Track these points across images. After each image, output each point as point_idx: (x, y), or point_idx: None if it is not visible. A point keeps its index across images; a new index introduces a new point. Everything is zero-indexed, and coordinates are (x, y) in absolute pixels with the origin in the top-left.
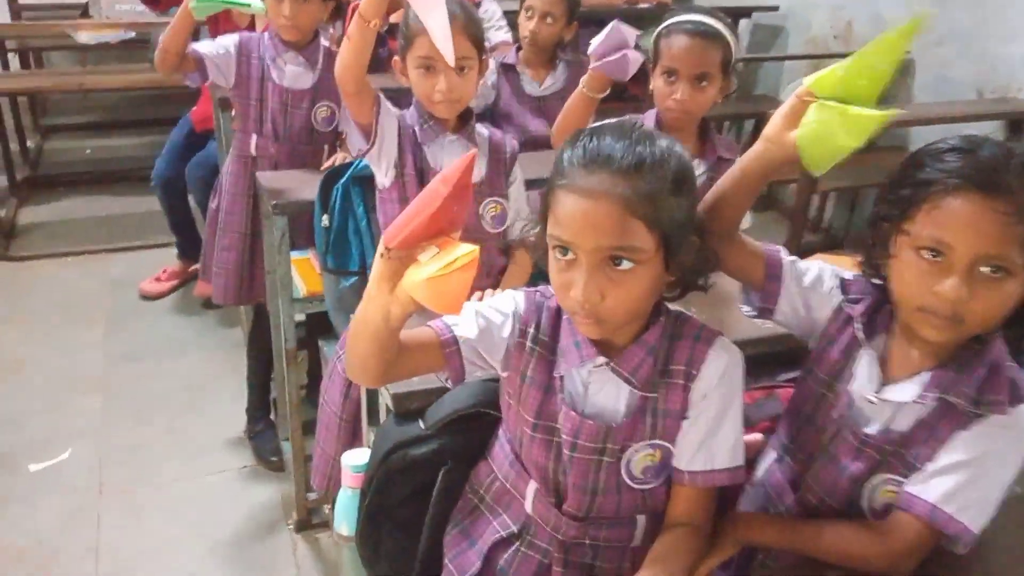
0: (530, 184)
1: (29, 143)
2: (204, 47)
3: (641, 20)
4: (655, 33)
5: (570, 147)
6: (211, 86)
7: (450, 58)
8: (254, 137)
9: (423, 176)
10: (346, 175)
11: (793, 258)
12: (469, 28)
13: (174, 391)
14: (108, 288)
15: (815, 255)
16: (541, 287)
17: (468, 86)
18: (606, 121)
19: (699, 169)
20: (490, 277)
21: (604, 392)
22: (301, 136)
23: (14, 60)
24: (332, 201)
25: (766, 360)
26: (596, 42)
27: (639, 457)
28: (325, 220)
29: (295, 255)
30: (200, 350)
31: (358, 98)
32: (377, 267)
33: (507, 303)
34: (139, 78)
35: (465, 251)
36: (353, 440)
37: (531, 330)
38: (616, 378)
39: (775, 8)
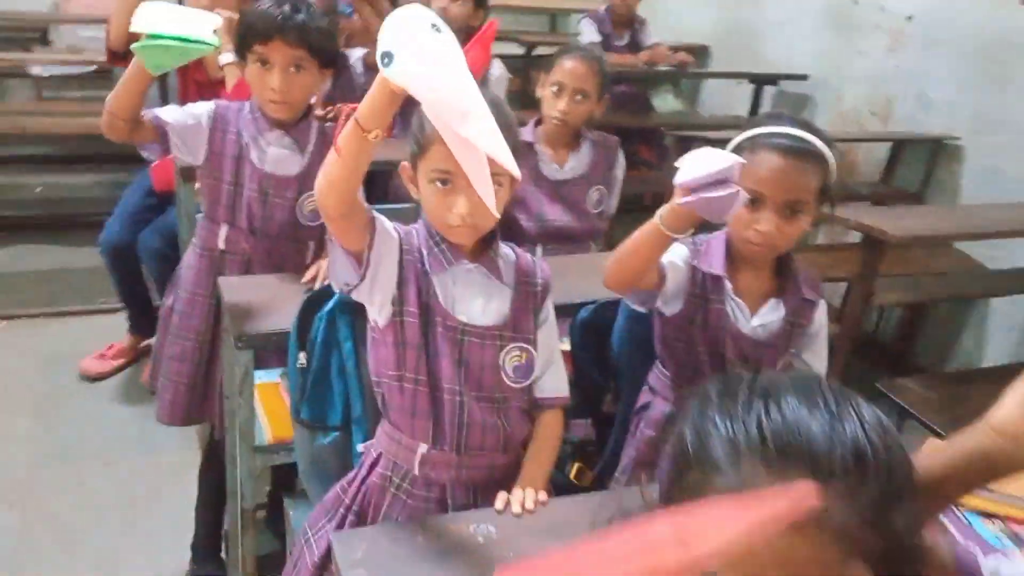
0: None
1: None
2: (169, 113)
3: (658, 83)
4: (733, 145)
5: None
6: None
7: (490, 202)
8: (224, 228)
9: (428, 314)
10: (332, 301)
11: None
12: (508, 138)
13: (108, 508)
14: (43, 363)
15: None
16: None
17: (497, 207)
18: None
19: (777, 312)
20: (507, 452)
21: None
22: (282, 231)
23: None
24: (312, 335)
25: None
26: (689, 169)
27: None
28: (302, 359)
29: (260, 377)
30: (144, 452)
31: (346, 222)
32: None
33: None
34: (92, 122)
35: None
36: None
37: None
38: None
39: (803, 77)
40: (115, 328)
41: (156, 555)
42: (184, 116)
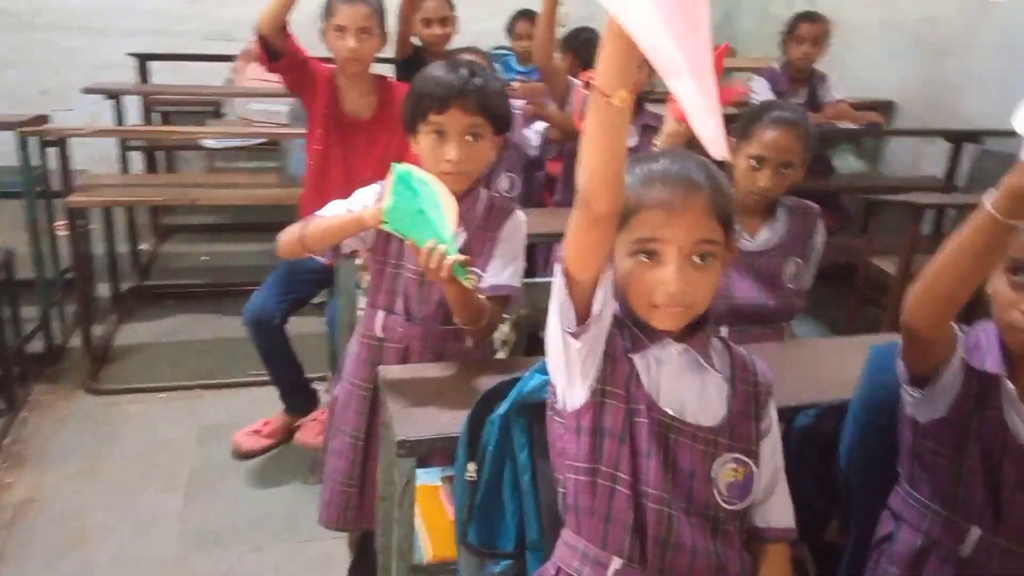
0: None
1: (144, 245)
2: (329, 210)
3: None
4: None
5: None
6: None
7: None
8: (381, 314)
9: (630, 401)
10: (508, 400)
11: None
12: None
13: None
14: (198, 436)
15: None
16: None
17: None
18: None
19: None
20: None
21: None
22: (439, 314)
23: (138, 156)
24: (484, 441)
25: None
26: None
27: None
28: (471, 470)
29: (419, 478)
30: (292, 540)
31: (611, 229)
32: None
33: None
34: (260, 193)
35: None
36: None
37: None
38: None
39: (1013, 134)
40: (271, 399)
41: None
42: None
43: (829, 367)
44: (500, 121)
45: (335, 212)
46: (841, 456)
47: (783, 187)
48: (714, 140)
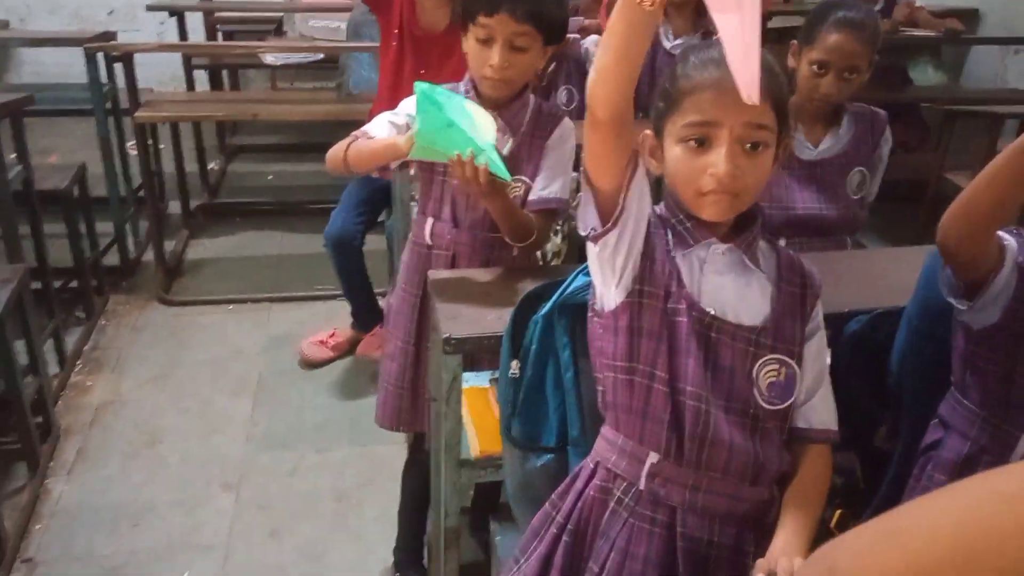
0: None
1: (212, 165)
2: (378, 129)
3: (916, 52)
4: None
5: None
6: None
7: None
8: (430, 221)
9: (671, 300)
10: (551, 301)
11: None
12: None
13: (316, 498)
14: (266, 346)
15: None
16: None
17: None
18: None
19: None
20: (756, 485)
21: None
22: (486, 221)
23: (203, 76)
24: (527, 340)
25: None
26: None
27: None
28: (514, 367)
29: (468, 380)
30: (353, 443)
31: (611, 134)
32: None
33: None
34: (318, 109)
35: None
36: None
37: None
38: None
39: None
40: (334, 312)
41: (362, 553)
42: (395, 125)
43: (886, 275)
44: (552, 32)
45: (380, 126)
46: (893, 362)
47: (848, 93)
48: (748, 84)
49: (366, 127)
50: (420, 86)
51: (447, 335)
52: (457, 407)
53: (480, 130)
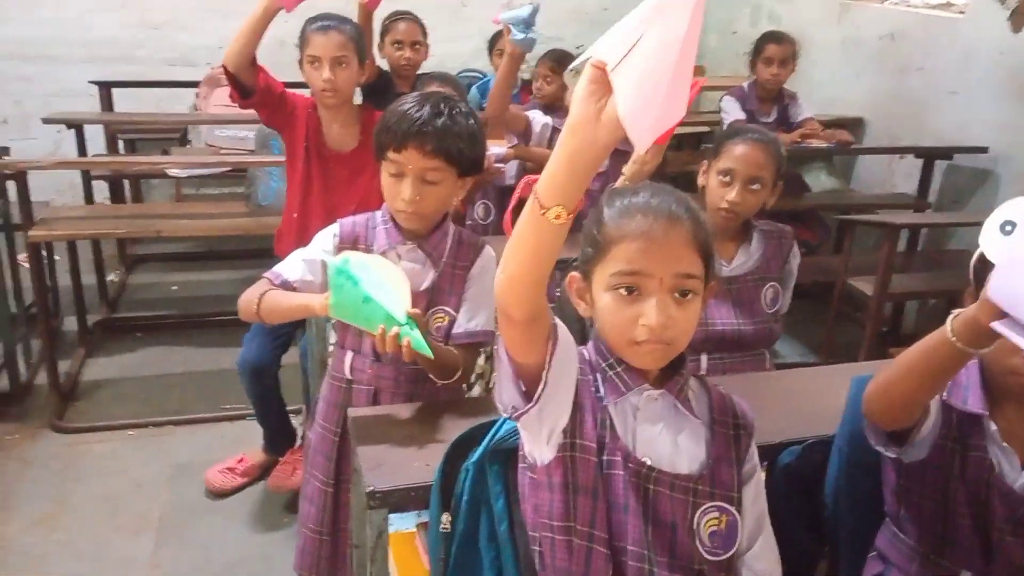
0: None
1: (112, 276)
2: (292, 270)
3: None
4: None
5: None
6: None
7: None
8: (349, 355)
9: (605, 453)
10: (481, 447)
11: None
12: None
13: None
14: (169, 476)
15: None
16: None
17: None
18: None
19: None
20: None
21: None
22: None
23: (103, 186)
24: (458, 489)
25: None
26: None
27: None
28: (445, 521)
29: (393, 523)
30: None
31: (528, 330)
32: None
33: None
34: (225, 224)
35: None
36: None
37: None
38: None
39: (983, 149)
40: (243, 434)
41: None
42: (309, 264)
43: (812, 399)
44: (464, 165)
45: (293, 266)
46: (828, 494)
47: (753, 206)
48: (642, 133)
49: (279, 268)
50: (331, 263)
51: (371, 488)
52: (384, 563)
53: (400, 299)
